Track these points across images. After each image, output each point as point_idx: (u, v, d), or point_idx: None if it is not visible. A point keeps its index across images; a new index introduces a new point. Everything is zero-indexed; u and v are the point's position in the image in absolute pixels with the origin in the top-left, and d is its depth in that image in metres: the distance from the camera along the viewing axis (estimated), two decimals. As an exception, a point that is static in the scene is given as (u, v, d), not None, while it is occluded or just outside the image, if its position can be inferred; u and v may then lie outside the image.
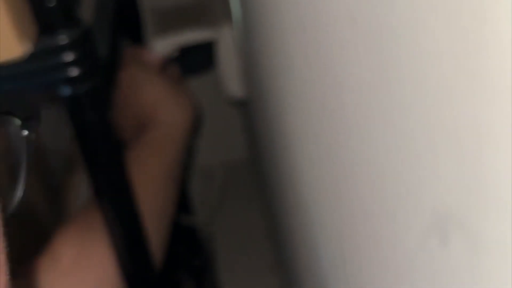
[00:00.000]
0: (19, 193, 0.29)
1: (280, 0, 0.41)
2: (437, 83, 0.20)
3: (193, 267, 1.05)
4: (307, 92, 0.40)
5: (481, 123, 0.18)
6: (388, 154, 0.27)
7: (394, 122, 0.25)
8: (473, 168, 0.19)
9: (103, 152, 0.59)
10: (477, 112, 0.18)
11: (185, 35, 0.90)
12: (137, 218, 0.64)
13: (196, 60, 0.92)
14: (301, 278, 0.68)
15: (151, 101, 0.77)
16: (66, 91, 0.53)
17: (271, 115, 0.60)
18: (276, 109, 0.56)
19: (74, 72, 0.53)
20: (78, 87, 0.53)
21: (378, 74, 0.25)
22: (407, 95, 0.23)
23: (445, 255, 0.23)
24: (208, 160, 1.08)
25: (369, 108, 0.28)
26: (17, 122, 0.30)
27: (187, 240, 1.05)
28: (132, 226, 0.64)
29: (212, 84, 0.98)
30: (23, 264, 0.55)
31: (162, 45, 0.89)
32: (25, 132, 0.30)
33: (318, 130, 0.40)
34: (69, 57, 0.53)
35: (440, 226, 0.22)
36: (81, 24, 0.54)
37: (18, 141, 0.29)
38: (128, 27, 0.93)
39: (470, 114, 0.19)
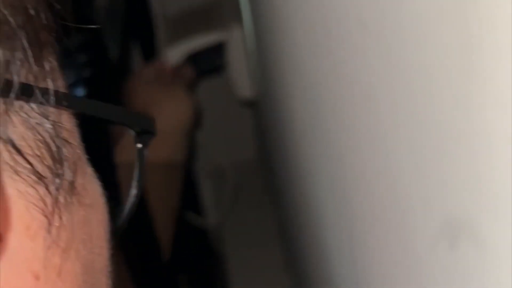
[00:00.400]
0: (127, 211, 0.27)
1: (290, 1, 0.41)
2: (446, 88, 0.20)
3: (204, 267, 1.05)
4: (317, 93, 0.40)
5: (491, 130, 0.18)
6: (399, 156, 0.27)
7: (404, 124, 0.25)
8: (482, 174, 0.19)
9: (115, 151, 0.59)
10: (488, 120, 0.18)
11: (196, 40, 0.91)
12: (148, 218, 0.64)
13: (209, 62, 0.93)
14: (311, 278, 0.68)
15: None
16: (80, 91, 0.54)
17: (281, 115, 0.60)
18: (286, 109, 0.56)
19: (86, 73, 0.53)
20: (91, 87, 0.54)
21: (387, 77, 0.26)
22: (416, 99, 0.23)
23: (454, 259, 0.23)
24: (219, 160, 1.09)
25: (378, 110, 0.28)
26: (132, 133, 0.28)
27: (198, 241, 1.05)
28: (142, 223, 0.65)
29: (222, 84, 0.99)
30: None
31: (175, 52, 0.90)
32: (139, 145, 0.28)
33: (328, 132, 0.40)
34: (81, 58, 0.53)
35: (450, 231, 0.22)
36: (93, 26, 0.54)
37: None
38: (142, 36, 0.95)
39: (480, 122, 0.19)
